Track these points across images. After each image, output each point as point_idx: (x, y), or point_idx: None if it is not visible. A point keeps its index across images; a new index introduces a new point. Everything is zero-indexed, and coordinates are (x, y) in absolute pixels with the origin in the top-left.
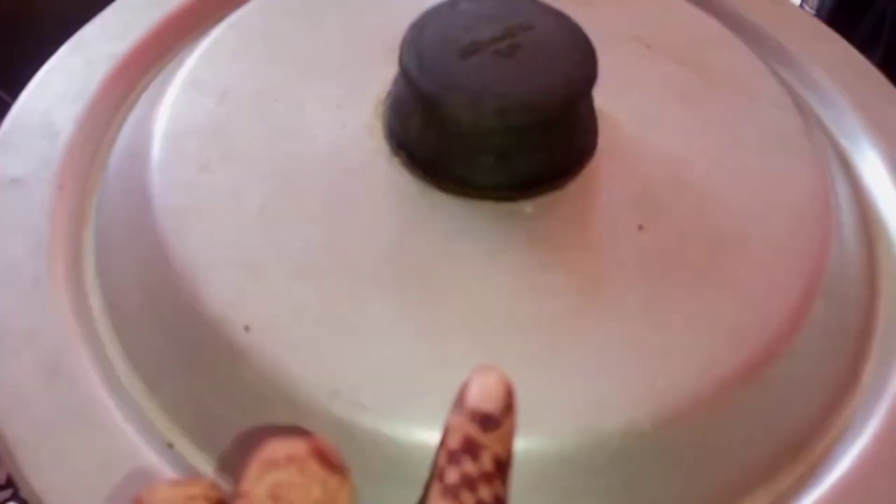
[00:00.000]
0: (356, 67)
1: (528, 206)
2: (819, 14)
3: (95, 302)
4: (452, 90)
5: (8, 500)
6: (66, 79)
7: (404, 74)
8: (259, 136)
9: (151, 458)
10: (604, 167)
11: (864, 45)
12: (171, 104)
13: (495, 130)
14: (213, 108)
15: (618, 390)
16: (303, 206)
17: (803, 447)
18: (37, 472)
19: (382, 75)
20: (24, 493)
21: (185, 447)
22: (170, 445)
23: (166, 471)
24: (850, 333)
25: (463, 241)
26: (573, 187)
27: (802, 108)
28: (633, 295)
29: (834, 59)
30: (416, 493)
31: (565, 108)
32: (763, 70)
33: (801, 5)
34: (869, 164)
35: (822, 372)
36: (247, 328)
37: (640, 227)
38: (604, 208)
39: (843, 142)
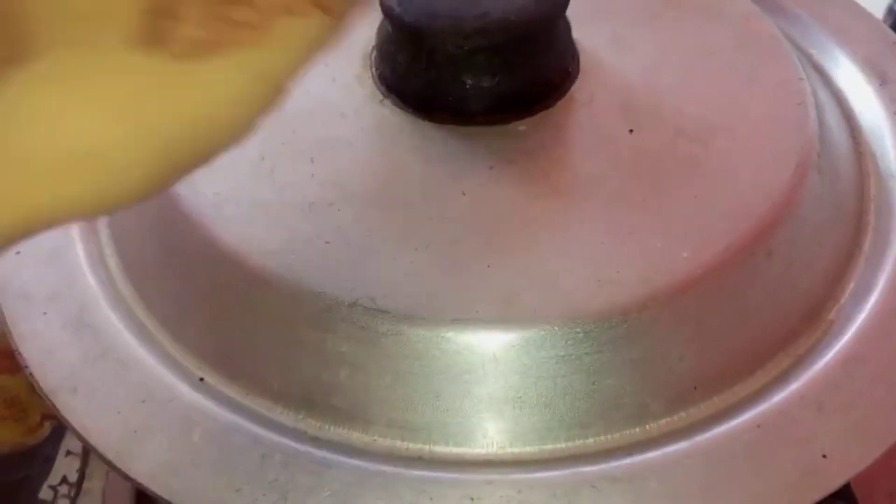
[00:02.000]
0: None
1: (520, 125)
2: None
3: (112, 263)
4: (433, 17)
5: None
6: None
7: (386, 12)
8: None
9: (185, 389)
10: (588, 86)
11: None
12: None
13: (478, 50)
14: None
15: (632, 268)
16: (301, 149)
17: (817, 312)
18: (75, 411)
19: (365, 33)
20: (71, 431)
21: (216, 379)
22: (201, 379)
23: (201, 399)
24: (846, 207)
25: (461, 162)
26: (561, 105)
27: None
28: (633, 188)
29: None
30: (439, 385)
31: (543, 23)
32: None
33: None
34: (839, 67)
35: (826, 241)
36: (263, 256)
37: (631, 131)
38: (593, 119)
39: (813, 51)
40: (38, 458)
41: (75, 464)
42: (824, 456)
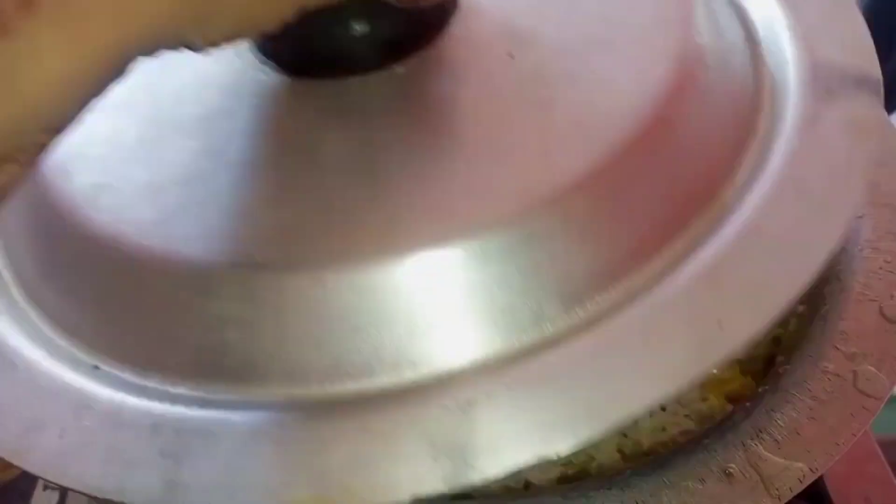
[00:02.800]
0: None
1: (399, 69)
2: None
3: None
4: None
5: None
6: None
7: None
8: (134, 84)
9: (79, 380)
10: (466, 23)
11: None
12: None
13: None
14: None
15: (514, 179)
16: (180, 126)
17: (711, 195)
18: None
19: None
20: None
21: (112, 366)
22: (95, 367)
23: (95, 387)
24: (738, 95)
25: (341, 114)
26: (440, 43)
27: None
28: (513, 110)
29: None
30: (330, 327)
31: None
32: None
33: None
34: None
35: (718, 128)
36: (138, 233)
37: (512, 56)
38: (473, 52)
39: None
40: (13, 493)
41: (54, 497)
42: (720, 325)
